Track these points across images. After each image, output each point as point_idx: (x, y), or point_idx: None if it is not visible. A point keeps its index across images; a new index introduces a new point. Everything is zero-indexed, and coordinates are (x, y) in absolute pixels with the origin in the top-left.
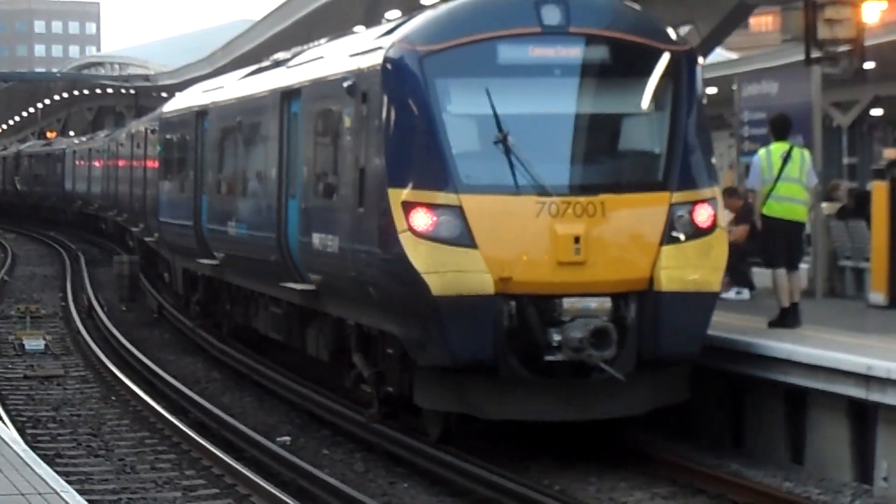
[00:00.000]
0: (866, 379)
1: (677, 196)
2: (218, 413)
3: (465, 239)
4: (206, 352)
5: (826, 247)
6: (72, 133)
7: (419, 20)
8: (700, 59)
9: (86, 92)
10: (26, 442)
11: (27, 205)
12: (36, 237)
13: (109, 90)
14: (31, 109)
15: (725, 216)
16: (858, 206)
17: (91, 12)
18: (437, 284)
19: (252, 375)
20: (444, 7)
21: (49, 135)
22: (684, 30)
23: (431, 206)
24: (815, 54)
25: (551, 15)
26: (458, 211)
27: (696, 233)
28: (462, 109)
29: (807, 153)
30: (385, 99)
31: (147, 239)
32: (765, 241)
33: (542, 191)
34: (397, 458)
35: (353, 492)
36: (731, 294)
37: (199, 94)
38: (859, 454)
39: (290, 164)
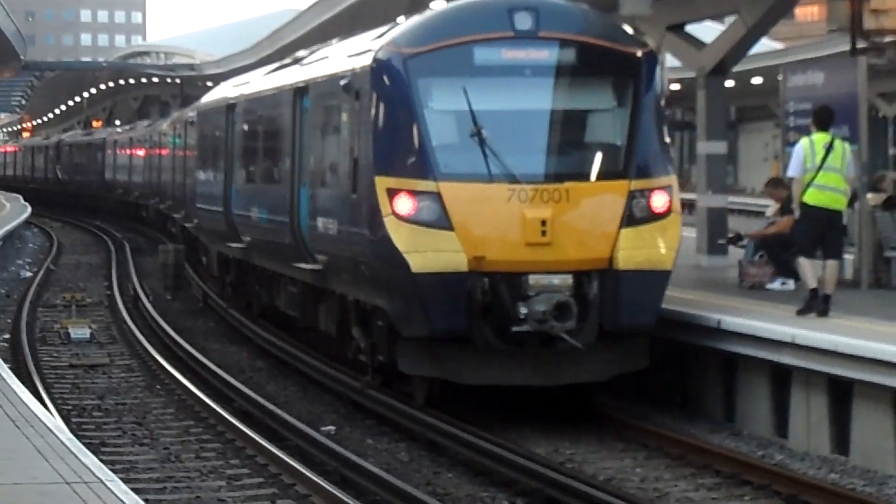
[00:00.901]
0: None
1: (635, 184)
2: (262, 402)
3: (443, 222)
4: (251, 341)
5: (871, 238)
6: (117, 122)
7: (406, 25)
8: (660, 60)
9: (131, 81)
10: (71, 430)
11: (68, 193)
12: (81, 226)
13: (155, 79)
14: (77, 98)
15: (771, 207)
16: None
17: (137, 2)
18: (416, 263)
19: (296, 364)
20: (427, 13)
21: (95, 124)
22: (729, 20)
23: (413, 193)
24: (860, 45)
25: (523, 20)
26: (437, 197)
27: (652, 217)
28: (441, 106)
29: (847, 145)
30: (374, 96)
31: (187, 225)
32: (801, 229)
33: (512, 179)
34: (441, 447)
35: (398, 481)
36: (776, 285)
37: (230, 88)
38: None
39: (302, 155)
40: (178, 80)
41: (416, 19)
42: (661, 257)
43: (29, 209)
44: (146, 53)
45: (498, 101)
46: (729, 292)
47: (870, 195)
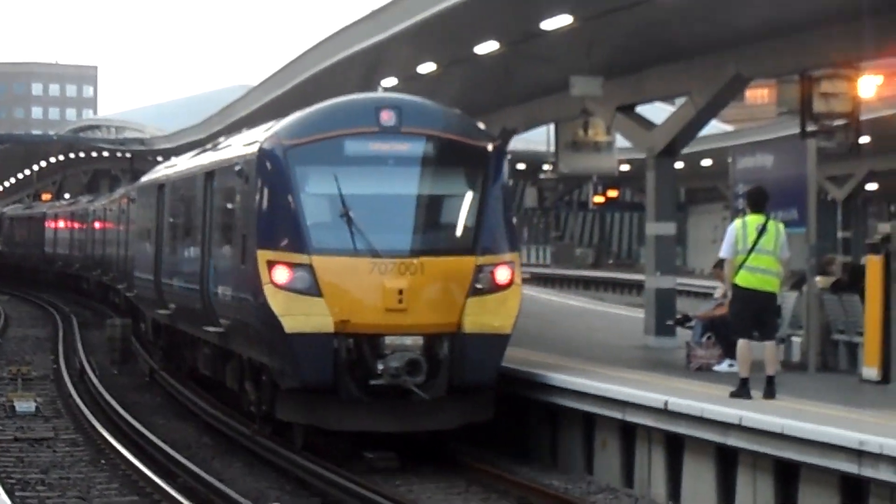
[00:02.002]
0: (858, 454)
1: (482, 259)
2: (207, 478)
3: (314, 290)
4: (198, 416)
5: (819, 320)
6: (66, 195)
7: (288, 120)
8: (507, 154)
9: (81, 155)
10: None
11: (9, 265)
12: (29, 299)
13: (105, 153)
14: (27, 171)
15: (719, 288)
16: (852, 280)
17: (89, 76)
18: (289, 324)
19: (242, 441)
20: (306, 110)
21: (44, 197)
22: (679, 101)
23: (289, 265)
24: (810, 128)
25: (387, 118)
26: (309, 268)
27: (496, 288)
28: (316, 190)
29: (782, 226)
30: (259, 181)
31: (128, 294)
32: (734, 311)
33: (375, 254)
34: None
35: None
36: (723, 366)
37: (163, 168)
38: None
39: (210, 230)
40: (128, 155)
41: (296, 115)
42: (502, 323)
43: None
44: (97, 127)
45: (364, 187)
46: (676, 373)
47: (818, 278)
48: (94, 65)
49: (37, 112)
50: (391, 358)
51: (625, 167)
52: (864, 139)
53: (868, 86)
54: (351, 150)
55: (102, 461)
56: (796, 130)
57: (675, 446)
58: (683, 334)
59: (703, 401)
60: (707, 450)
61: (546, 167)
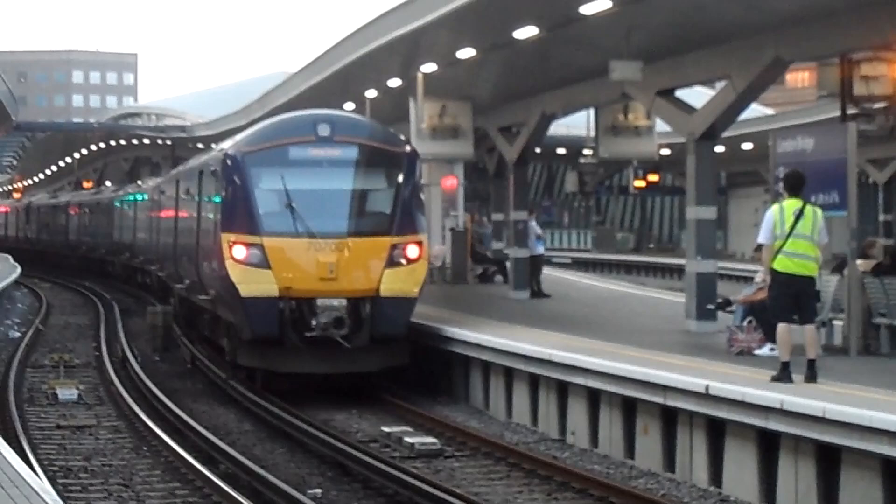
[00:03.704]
0: None
1: (396, 239)
2: (249, 464)
3: (264, 264)
4: (239, 403)
5: (861, 304)
6: (108, 183)
7: (248, 132)
8: (420, 157)
9: (122, 142)
10: (58, 492)
11: (36, 251)
12: (70, 287)
13: (146, 141)
14: (68, 159)
15: (760, 272)
16: (894, 263)
17: (129, 63)
18: (244, 290)
19: (284, 427)
20: (261, 124)
21: (85, 185)
22: (720, 85)
23: (246, 244)
24: (850, 111)
25: (323, 129)
26: (261, 247)
27: (407, 262)
28: (267, 186)
29: (819, 211)
30: (224, 179)
31: (160, 274)
32: (773, 296)
33: (312, 235)
34: None
35: None
36: (764, 350)
37: (181, 166)
38: None
39: (201, 216)
40: (168, 142)
41: (254, 128)
42: (411, 288)
43: (18, 269)
44: (137, 115)
45: (304, 183)
46: (717, 357)
47: (859, 261)
48: (134, 52)
49: (77, 100)
50: (322, 315)
51: (665, 151)
52: None
53: None
54: (294, 155)
55: (144, 448)
56: (837, 113)
57: (717, 431)
58: (724, 318)
59: (745, 385)
60: (749, 434)
61: (586, 151)
